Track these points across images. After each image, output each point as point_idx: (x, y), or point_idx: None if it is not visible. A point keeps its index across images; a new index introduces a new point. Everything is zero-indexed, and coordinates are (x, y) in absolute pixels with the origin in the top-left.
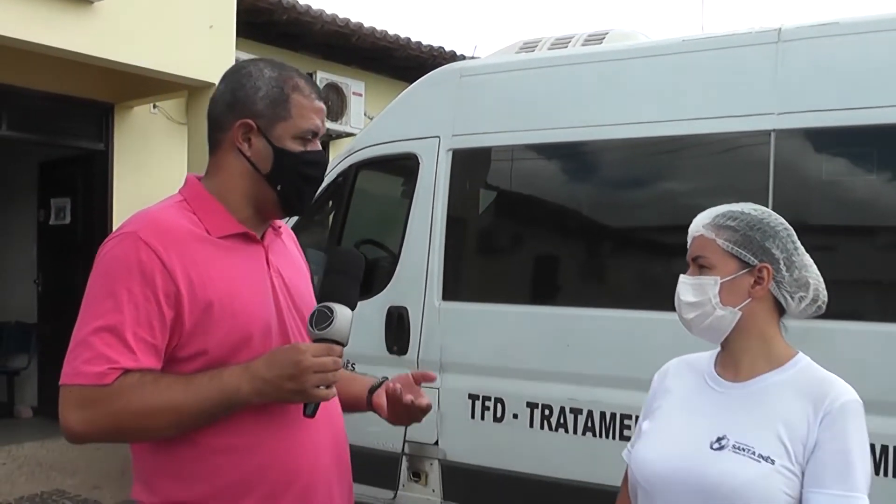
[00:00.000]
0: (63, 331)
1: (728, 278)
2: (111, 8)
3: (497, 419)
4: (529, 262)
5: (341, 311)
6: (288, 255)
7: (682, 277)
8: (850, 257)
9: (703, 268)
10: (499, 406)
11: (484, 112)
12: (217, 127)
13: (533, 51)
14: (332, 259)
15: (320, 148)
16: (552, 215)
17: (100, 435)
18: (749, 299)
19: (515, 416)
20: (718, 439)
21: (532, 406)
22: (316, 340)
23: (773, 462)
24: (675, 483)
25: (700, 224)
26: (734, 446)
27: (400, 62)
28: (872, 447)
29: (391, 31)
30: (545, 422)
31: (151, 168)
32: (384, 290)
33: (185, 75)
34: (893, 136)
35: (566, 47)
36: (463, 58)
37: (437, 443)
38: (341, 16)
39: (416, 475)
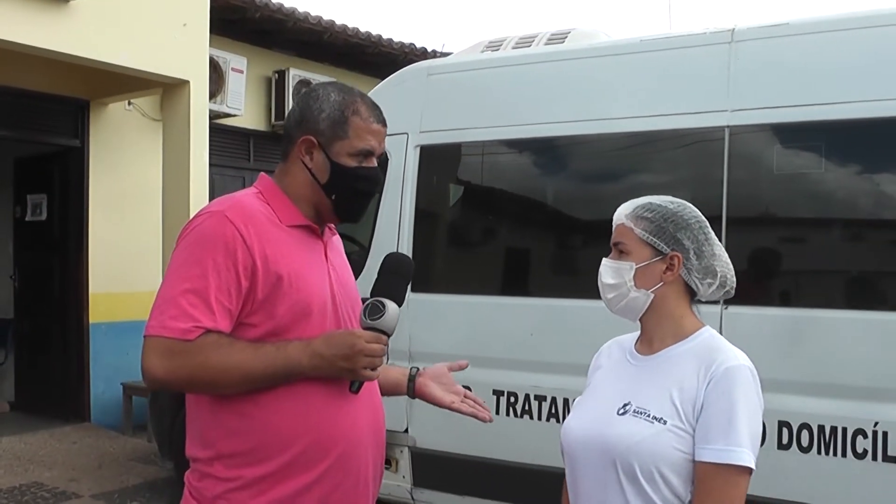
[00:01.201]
0: (40, 326)
1: (642, 264)
2: (86, 6)
3: None
4: (495, 255)
5: (391, 307)
6: (340, 255)
7: (604, 260)
8: (801, 247)
9: (622, 253)
10: None
11: (450, 109)
12: (287, 139)
13: (498, 50)
14: (386, 261)
15: (375, 165)
16: (517, 209)
17: (176, 383)
18: (661, 283)
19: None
20: (623, 405)
21: (498, 394)
22: (366, 329)
23: (664, 422)
24: (587, 446)
25: (622, 213)
26: (634, 411)
27: (371, 59)
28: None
29: (363, 29)
30: (511, 409)
31: (127, 164)
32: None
33: (159, 73)
34: (841, 131)
35: (529, 46)
36: (434, 54)
37: (406, 430)
38: (313, 13)
39: (387, 462)
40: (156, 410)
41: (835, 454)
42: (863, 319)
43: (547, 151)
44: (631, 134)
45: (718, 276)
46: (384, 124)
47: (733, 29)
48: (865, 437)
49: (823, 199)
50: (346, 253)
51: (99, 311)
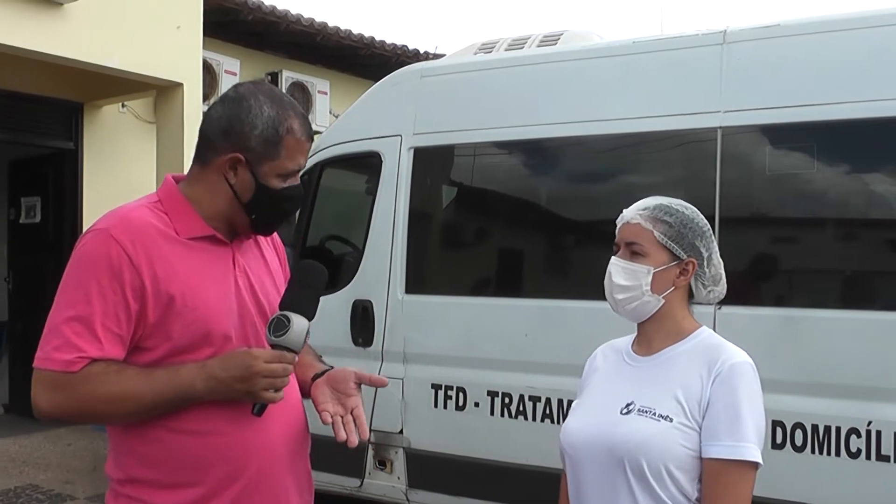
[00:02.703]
0: (34, 328)
1: (660, 268)
2: (80, 10)
3: (459, 408)
4: (489, 256)
5: (298, 322)
6: (258, 254)
7: (614, 259)
8: (793, 247)
9: (635, 254)
10: (461, 395)
11: (444, 111)
12: (208, 146)
13: (491, 52)
14: (296, 271)
15: (298, 182)
16: (510, 211)
17: (66, 415)
18: (672, 288)
19: (477, 404)
20: (627, 405)
21: (493, 394)
22: (272, 346)
23: (671, 420)
24: (590, 446)
25: (636, 213)
26: (639, 409)
27: (364, 61)
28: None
29: (356, 31)
30: (505, 409)
31: (120, 166)
32: (349, 284)
33: (153, 75)
34: (833, 131)
35: (522, 48)
36: (427, 56)
37: (401, 431)
38: (306, 15)
39: (382, 463)
40: None
41: (829, 453)
42: (856, 319)
43: (540, 153)
44: (624, 135)
45: (721, 282)
46: (312, 138)
47: (725, 30)
48: (859, 436)
49: (815, 200)
50: (340, 255)
51: None
